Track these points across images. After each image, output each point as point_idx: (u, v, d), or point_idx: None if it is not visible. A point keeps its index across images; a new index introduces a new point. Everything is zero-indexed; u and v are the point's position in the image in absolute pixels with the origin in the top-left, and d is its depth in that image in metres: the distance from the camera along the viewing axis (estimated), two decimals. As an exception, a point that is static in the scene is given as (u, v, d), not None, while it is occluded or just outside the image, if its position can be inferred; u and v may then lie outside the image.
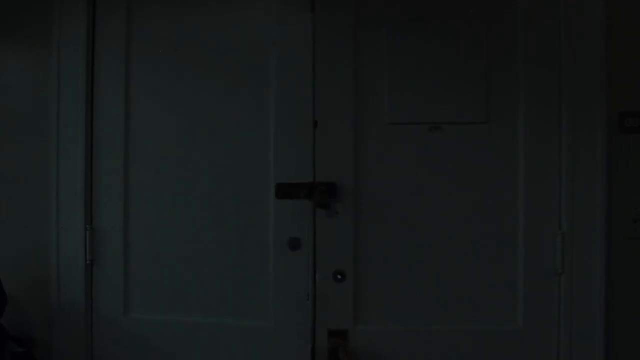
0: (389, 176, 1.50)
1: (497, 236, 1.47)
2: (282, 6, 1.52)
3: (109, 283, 1.58)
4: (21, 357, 1.50)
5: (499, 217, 1.47)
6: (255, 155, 1.53)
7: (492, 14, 1.49)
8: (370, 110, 1.50)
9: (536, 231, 1.46)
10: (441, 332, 1.48)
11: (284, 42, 1.52)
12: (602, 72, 1.43)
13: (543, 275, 1.45)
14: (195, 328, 1.55)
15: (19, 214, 1.62)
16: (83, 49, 1.58)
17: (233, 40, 1.56)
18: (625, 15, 1.44)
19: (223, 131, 1.55)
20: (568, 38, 1.45)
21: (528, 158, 1.46)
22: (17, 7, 1.62)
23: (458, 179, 1.49)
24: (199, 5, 1.57)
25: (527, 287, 1.45)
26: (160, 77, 1.58)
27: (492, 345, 1.46)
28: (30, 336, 1.59)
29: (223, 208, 1.55)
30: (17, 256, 1.61)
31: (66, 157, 1.58)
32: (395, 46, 1.50)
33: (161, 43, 1.58)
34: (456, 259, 1.48)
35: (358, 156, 1.50)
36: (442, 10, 1.50)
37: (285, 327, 1.50)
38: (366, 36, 1.51)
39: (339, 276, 1.48)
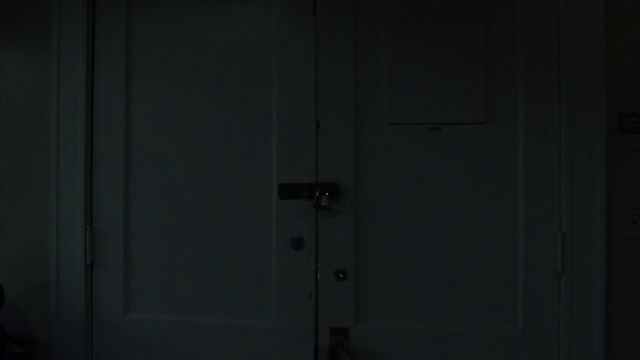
0: (389, 176, 1.50)
1: (497, 236, 1.48)
2: (284, 8, 1.53)
3: (109, 283, 1.58)
4: (21, 358, 1.50)
5: (499, 217, 1.48)
6: (258, 155, 1.54)
7: (491, 14, 1.49)
8: (371, 111, 1.51)
9: (536, 231, 1.46)
10: (441, 331, 1.48)
11: (286, 44, 1.53)
12: (601, 72, 1.44)
13: (543, 276, 1.46)
14: (197, 328, 1.55)
15: (19, 214, 1.61)
16: (83, 49, 1.58)
17: (235, 42, 1.56)
18: (624, 16, 1.45)
19: (225, 131, 1.55)
20: (567, 39, 1.46)
21: (527, 158, 1.47)
22: (16, 8, 1.62)
23: (458, 180, 1.49)
24: (200, 7, 1.57)
25: (527, 287, 1.46)
26: (161, 77, 1.58)
27: (493, 345, 1.47)
28: (30, 337, 1.58)
29: (225, 208, 1.55)
30: (17, 257, 1.61)
31: (66, 157, 1.58)
32: (395, 48, 1.50)
33: (162, 44, 1.58)
34: (456, 258, 1.49)
35: (359, 157, 1.51)
36: (441, 11, 1.51)
37: (288, 325, 1.51)
38: (366, 38, 1.52)
39: (340, 275, 1.49)
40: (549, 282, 1.45)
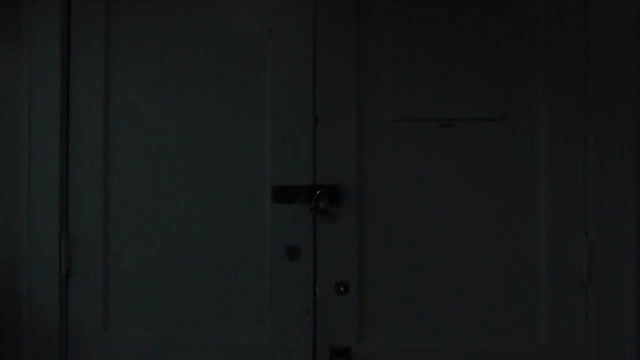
0: (395, 178, 1.44)
1: (516, 245, 1.41)
2: (280, -6, 1.49)
3: (87, 296, 1.51)
4: (-13, 379, 1.39)
5: (517, 223, 1.41)
6: (250, 155, 1.47)
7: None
8: (374, 106, 1.44)
9: (560, 239, 1.39)
10: (454, 350, 1.41)
11: (282, 32, 1.47)
12: (634, 64, 1.36)
13: (568, 288, 1.39)
14: (183, 346, 1.48)
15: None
16: (57, 41, 1.51)
17: (225, 29, 1.50)
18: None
19: (214, 128, 1.49)
20: (596, 30, 1.39)
21: (550, 159, 1.40)
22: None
23: (472, 182, 1.42)
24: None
25: (550, 300, 1.39)
26: (145, 71, 1.51)
27: (511, 364, 1.41)
28: (-2, 355, 1.53)
29: (213, 213, 1.48)
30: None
31: (39, 157, 1.51)
32: (401, 36, 1.44)
33: (146, 32, 1.51)
34: (470, 269, 1.41)
35: (362, 156, 1.44)
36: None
37: (282, 345, 1.44)
38: (370, 25, 1.45)
39: (341, 288, 1.42)
40: (575, 295, 1.38)
